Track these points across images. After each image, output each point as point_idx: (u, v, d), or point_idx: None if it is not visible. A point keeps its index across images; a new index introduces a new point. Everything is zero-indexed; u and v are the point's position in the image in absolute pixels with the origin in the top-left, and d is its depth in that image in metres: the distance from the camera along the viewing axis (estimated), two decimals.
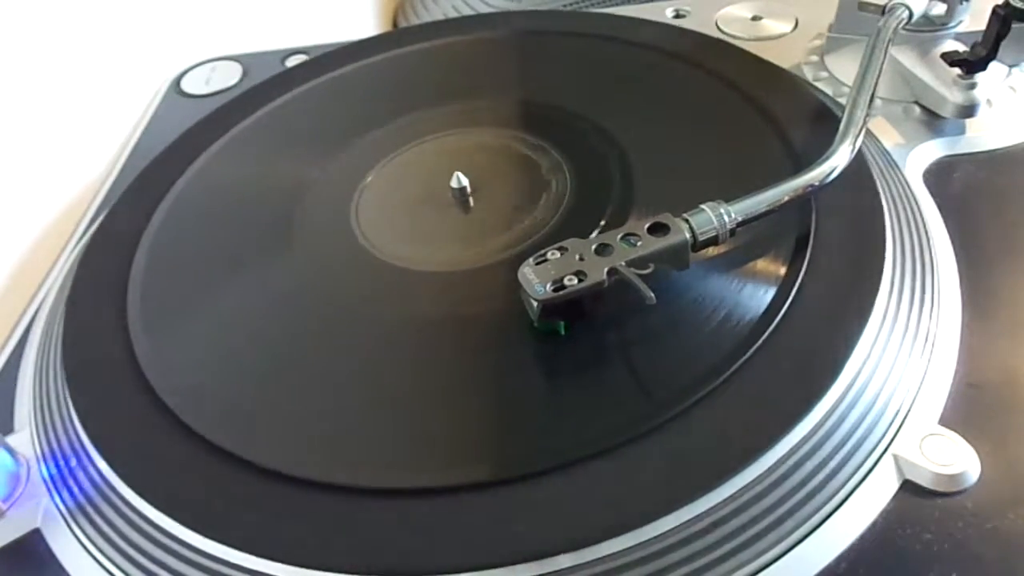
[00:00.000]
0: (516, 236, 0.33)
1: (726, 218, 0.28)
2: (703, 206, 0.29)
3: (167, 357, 0.30)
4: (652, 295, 0.26)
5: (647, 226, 0.28)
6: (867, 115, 0.32)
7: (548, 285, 0.27)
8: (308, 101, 0.44)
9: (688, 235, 0.28)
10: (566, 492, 0.24)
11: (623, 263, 0.27)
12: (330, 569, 0.23)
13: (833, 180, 0.30)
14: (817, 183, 0.30)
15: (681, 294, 0.29)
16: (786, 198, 0.29)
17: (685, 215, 0.28)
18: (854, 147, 0.31)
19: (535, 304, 0.27)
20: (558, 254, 0.28)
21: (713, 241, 0.28)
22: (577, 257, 0.28)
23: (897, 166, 0.35)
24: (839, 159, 0.30)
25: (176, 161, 0.41)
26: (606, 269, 0.27)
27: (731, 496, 0.23)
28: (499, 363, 0.29)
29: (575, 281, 0.27)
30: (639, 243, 0.28)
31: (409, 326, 0.31)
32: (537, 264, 0.28)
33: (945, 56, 0.37)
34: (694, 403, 0.25)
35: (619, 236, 0.28)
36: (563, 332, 0.28)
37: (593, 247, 0.28)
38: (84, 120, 0.47)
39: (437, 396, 0.28)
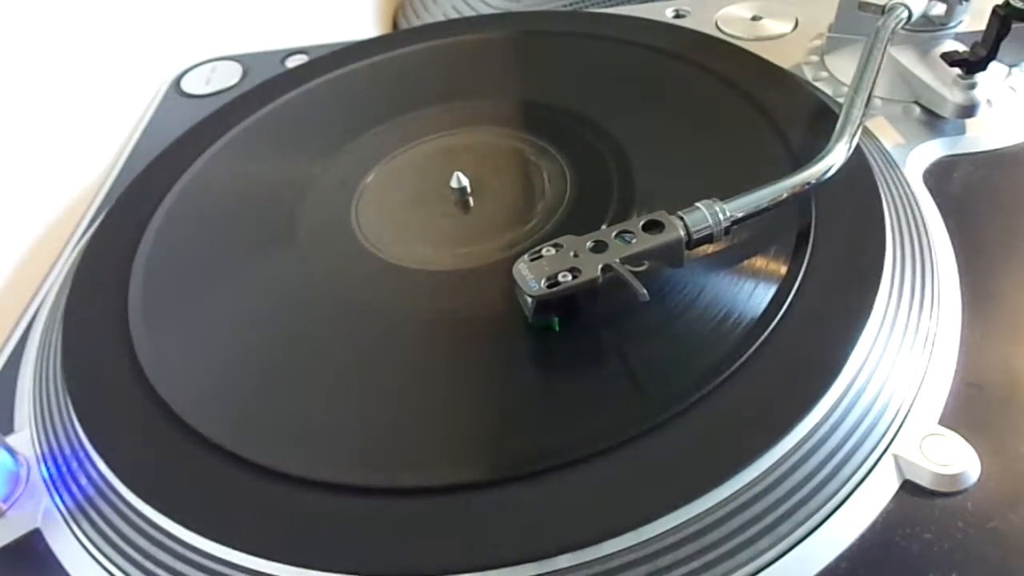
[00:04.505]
0: (516, 236, 0.33)
1: (721, 216, 0.28)
2: (698, 204, 0.29)
3: (167, 357, 0.30)
4: (645, 292, 0.26)
5: (642, 223, 0.28)
6: (864, 114, 0.32)
7: (542, 281, 0.27)
8: (308, 101, 0.45)
9: (682, 233, 0.28)
10: (566, 492, 0.24)
11: (617, 260, 0.27)
12: (330, 569, 0.23)
13: (830, 178, 0.30)
14: (813, 181, 0.30)
15: (682, 293, 0.29)
16: (783, 196, 0.29)
17: (680, 213, 0.28)
18: (851, 146, 0.31)
19: (529, 300, 0.27)
20: (553, 251, 0.28)
21: (708, 239, 0.28)
22: (572, 254, 0.28)
23: (897, 166, 0.35)
24: (835, 158, 0.30)
25: (176, 161, 0.41)
26: (600, 266, 0.27)
27: (731, 496, 0.23)
28: (499, 363, 0.29)
29: (569, 277, 0.27)
30: (634, 240, 0.28)
31: (409, 326, 0.31)
32: (532, 260, 0.28)
33: (945, 56, 0.37)
34: (694, 403, 0.25)
35: (614, 233, 0.28)
36: (557, 328, 0.28)
37: (588, 244, 0.28)
38: (84, 120, 0.47)
39: (437, 396, 0.28)
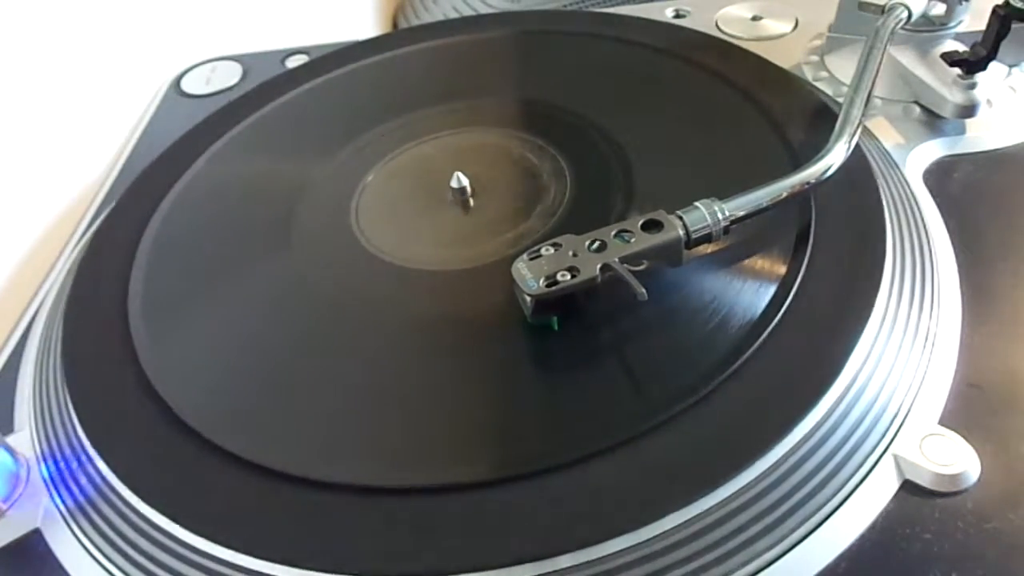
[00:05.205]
0: (515, 236, 0.33)
1: (720, 215, 0.28)
2: (697, 203, 0.29)
3: (167, 357, 0.30)
4: (644, 291, 0.26)
5: (641, 223, 0.28)
6: (864, 114, 0.32)
7: (541, 280, 0.27)
8: (308, 101, 0.45)
9: (681, 232, 0.28)
10: (566, 492, 0.24)
11: (616, 259, 0.27)
12: (330, 569, 0.23)
13: (829, 178, 0.30)
14: (812, 181, 0.30)
15: (682, 293, 0.29)
16: (782, 195, 0.29)
17: (679, 212, 0.28)
18: (850, 145, 0.31)
19: (528, 299, 0.27)
20: (552, 250, 0.28)
21: (707, 239, 0.28)
22: (571, 253, 0.28)
23: (897, 166, 0.35)
24: (834, 157, 0.30)
25: (176, 161, 0.41)
26: (599, 265, 0.27)
27: (731, 496, 0.23)
28: (499, 363, 0.29)
29: (568, 277, 0.27)
30: (633, 239, 0.28)
31: (408, 326, 0.31)
32: (531, 259, 0.28)
33: (945, 56, 0.37)
34: (693, 403, 0.25)
35: (613, 233, 0.28)
36: (556, 327, 0.28)
37: (587, 243, 0.28)
38: (84, 120, 0.47)
39: (436, 396, 0.28)
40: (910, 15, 0.36)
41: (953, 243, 0.32)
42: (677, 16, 0.48)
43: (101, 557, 0.26)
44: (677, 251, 0.28)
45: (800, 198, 0.30)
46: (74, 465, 0.28)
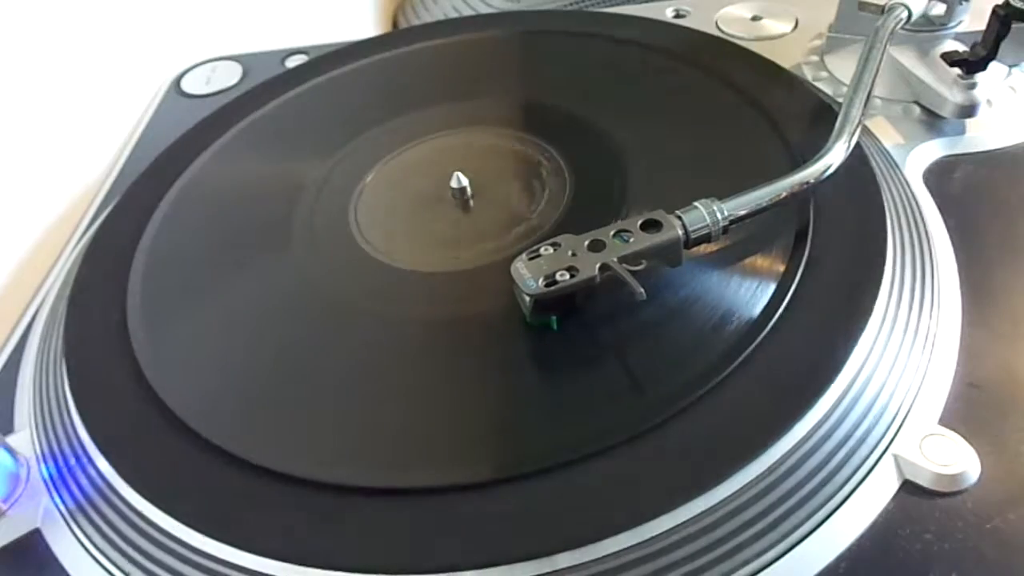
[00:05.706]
0: (516, 236, 0.33)
1: (719, 215, 0.28)
2: (696, 203, 0.29)
3: (167, 357, 0.30)
4: (642, 291, 0.26)
5: (640, 222, 0.28)
6: (863, 114, 0.32)
7: (540, 280, 0.27)
8: (308, 101, 0.45)
9: (680, 232, 0.28)
10: (566, 492, 0.24)
11: (615, 259, 0.27)
12: (330, 568, 0.23)
13: (828, 178, 0.30)
14: (812, 181, 0.30)
15: (681, 293, 0.29)
16: (781, 195, 0.29)
17: (678, 212, 0.28)
18: (849, 145, 0.31)
19: (527, 299, 0.27)
20: (551, 250, 0.28)
21: (706, 238, 0.28)
22: (570, 253, 0.28)
23: (897, 166, 0.35)
24: (834, 157, 0.30)
25: (176, 161, 0.41)
26: (598, 265, 0.27)
27: (731, 496, 0.23)
28: (498, 363, 0.29)
29: (567, 276, 0.27)
30: (632, 239, 0.28)
31: (408, 326, 0.31)
32: (530, 259, 0.28)
33: (945, 56, 0.37)
34: (693, 402, 0.25)
35: (612, 232, 0.28)
36: (556, 327, 0.28)
37: (586, 243, 0.28)
38: (84, 120, 0.47)
39: (436, 396, 0.28)
40: (910, 15, 0.36)
41: (953, 243, 0.32)
42: (677, 16, 0.48)
43: (101, 557, 0.26)
44: (676, 251, 0.28)
45: (800, 198, 0.30)
46: (74, 465, 0.28)
